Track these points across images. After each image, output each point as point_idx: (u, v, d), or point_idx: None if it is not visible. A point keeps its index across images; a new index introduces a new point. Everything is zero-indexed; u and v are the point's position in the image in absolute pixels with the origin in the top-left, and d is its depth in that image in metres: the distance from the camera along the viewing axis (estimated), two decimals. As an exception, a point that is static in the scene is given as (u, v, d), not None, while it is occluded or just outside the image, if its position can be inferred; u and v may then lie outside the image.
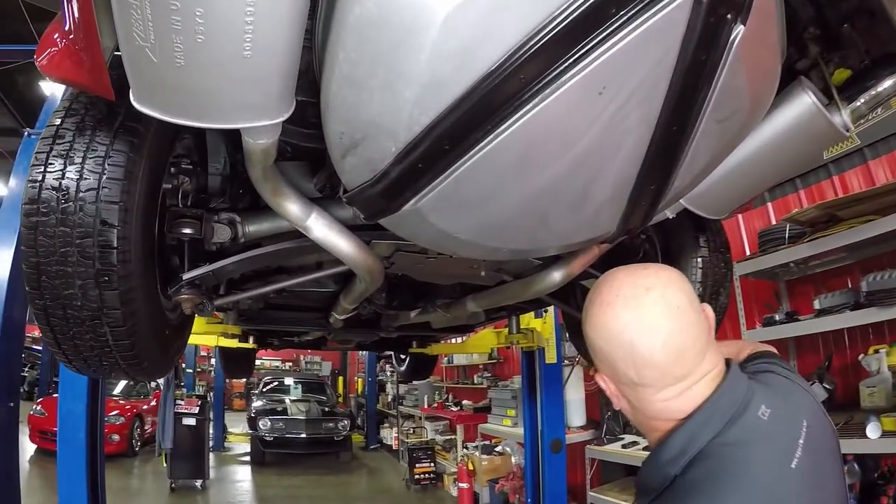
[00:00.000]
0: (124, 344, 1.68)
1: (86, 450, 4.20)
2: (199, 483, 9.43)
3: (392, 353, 8.50)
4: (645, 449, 5.51)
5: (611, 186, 1.45)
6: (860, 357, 4.40)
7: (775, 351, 1.51)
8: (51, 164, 1.47)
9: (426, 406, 12.55)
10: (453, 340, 7.24)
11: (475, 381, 11.41)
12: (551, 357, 6.32)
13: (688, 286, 1.17)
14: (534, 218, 1.54)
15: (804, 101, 1.60)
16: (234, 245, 1.96)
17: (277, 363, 22.78)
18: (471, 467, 8.16)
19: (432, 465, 10.06)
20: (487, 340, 6.78)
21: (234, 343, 5.15)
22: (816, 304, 4.57)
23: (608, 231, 1.72)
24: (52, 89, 4.85)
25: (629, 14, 1.02)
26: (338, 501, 9.53)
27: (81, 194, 1.46)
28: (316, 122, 1.50)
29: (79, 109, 1.51)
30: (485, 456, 8.32)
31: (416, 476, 9.88)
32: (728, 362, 1.21)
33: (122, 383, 12.45)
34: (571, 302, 3.25)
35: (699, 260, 2.76)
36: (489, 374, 11.01)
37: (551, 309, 5.97)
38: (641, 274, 1.17)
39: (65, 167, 1.46)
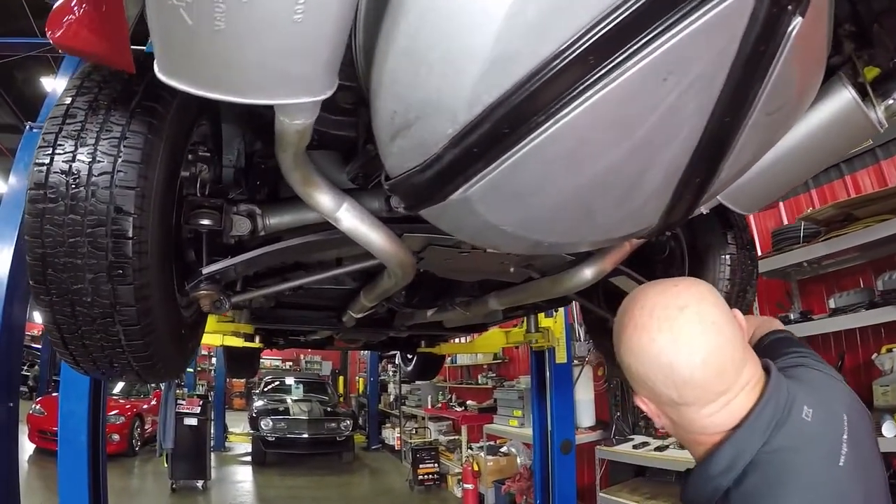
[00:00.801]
0: (138, 344, 1.53)
1: (87, 452, 4.06)
2: (200, 483, 9.27)
3: (398, 352, 8.31)
4: (657, 449, 5.50)
5: (660, 178, 1.40)
6: (873, 356, 4.42)
7: (783, 327, 1.55)
8: (60, 145, 1.31)
9: (430, 406, 12.36)
10: (457, 340, 7.12)
11: (479, 382, 11.25)
12: (561, 357, 6.22)
13: (720, 299, 1.15)
14: (582, 210, 1.46)
15: (844, 96, 1.59)
16: (252, 239, 1.83)
17: (277, 362, 22.55)
18: (476, 468, 8.05)
19: (436, 465, 9.94)
20: (496, 340, 6.68)
21: (239, 342, 5.02)
22: (831, 304, 4.59)
23: (650, 225, 1.66)
24: (53, 84, 4.72)
25: None
26: (340, 502, 9.40)
27: (94, 178, 1.30)
28: (348, 107, 1.43)
29: (91, 87, 1.37)
30: (490, 457, 8.20)
31: (420, 477, 9.74)
32: (767, 367, 1.19)
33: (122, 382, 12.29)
34: (594, 299, 3.14)
35: (728, 257, 2.71)
36: (494, 375, 10.87)
37: (561, 308, 5.88)
38: (673, 292, 1.15)
39: (76, 149, 1.31)
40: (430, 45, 1.01)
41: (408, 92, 1.09)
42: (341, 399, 16.98)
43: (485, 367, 11.25)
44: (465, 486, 8.11)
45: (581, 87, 1.04)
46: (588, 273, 2.31)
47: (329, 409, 13.05)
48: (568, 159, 1.21)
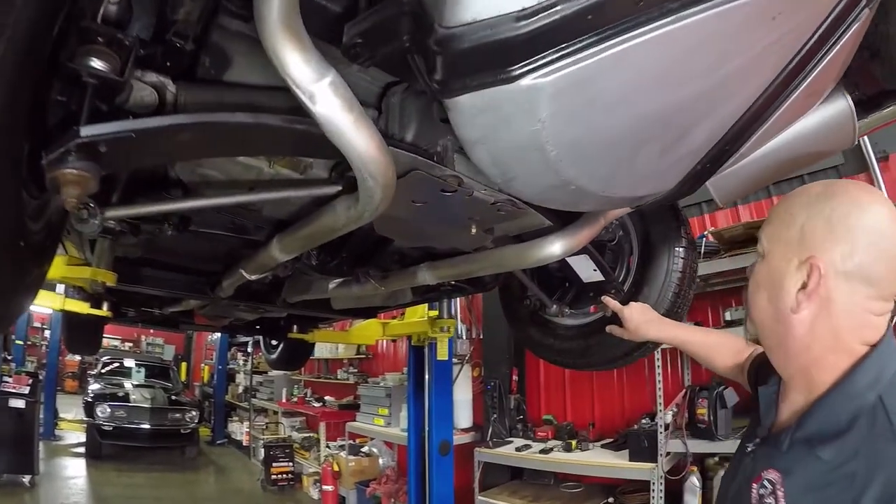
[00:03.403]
0: None
1: None
2: (27, 479, 7.70)
3: (261, 337, 7.27)
4: (542, 452, 5.31)
5: (705, 134, 1.30)
6: None
7: None
8: None
9: (284, 400, 11.40)
10: (330, 328, 6.42)
11: (339, 377, 10.41)
12: (443, 354, 5.75)
13: None
14: (633, 148, 1.24)
15: (841, 103, 1.66)
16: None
17: (116, 342, 19.73)
18: (336, 468, 7.41)
19: (290, 464, 9.10)
20: (372, 331, 6.07)
21: (84, 308, 4.00)
22: (728, 316, 4.89)
23: (664, 190, 1.54)
24: None
25: None
26: (187, 503, 8.28)
27: None
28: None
29: None
30: (351, 457, 7.61)
31: (273, 476, 8.86)
32: None
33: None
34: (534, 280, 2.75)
35: (682, 250, 2.54)
36: (356, 370, 10.12)
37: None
38: None
39: None
40: None
41: None
42: (185, 387, 15.43)
43: (345, 361, 10.45)
44: (325, 487, 7.44)
45: None
46: (558, 247, 1.91)
47: (173, 397, 11.72)
48: (663, 73, 1.01)
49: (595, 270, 2.42)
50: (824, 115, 1.63)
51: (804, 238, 1.12)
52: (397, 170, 1.34)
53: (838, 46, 1.17)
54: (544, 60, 0.89)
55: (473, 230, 1.87)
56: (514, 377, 6.49)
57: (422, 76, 1.01)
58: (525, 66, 0.90)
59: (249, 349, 12.84)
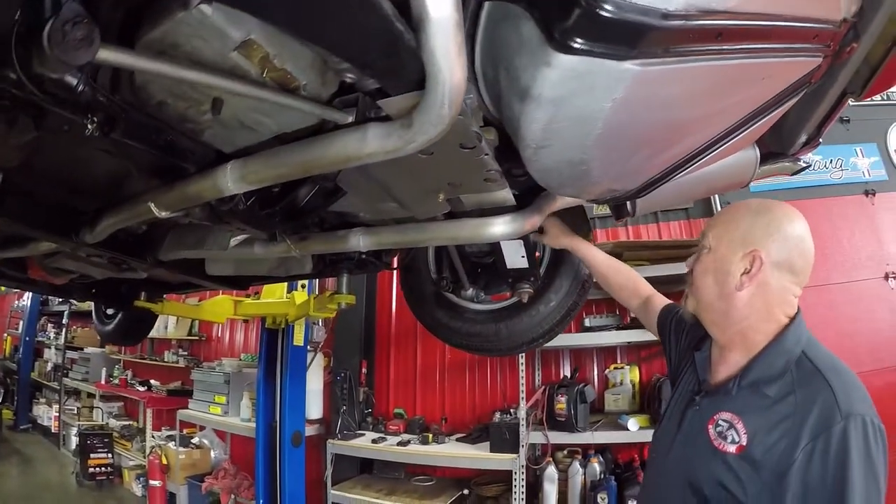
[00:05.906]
0: None
1: None
2: None
3: (97, 303, 5.82)
4: (400, 444, 5.17)
5: (684, 148, 1.46)
6: (606, 371, 5.26)
7: None
8: None
9: (103, 381, 9.92)
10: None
11: (166, 359, 9.23)
12: (299, 339, 5.40)
13: None
14: (640, 144, 1.34)
15: (751, 152, 1.93)
16: None
17: None
18: (165, 461, 6.62)
19: (110, 456, 7.91)
20: (224, 309, 5.44)
21: None
22: (587, 322, 5.04)
23: (629, 189, 1.65)
24: None
25: (813, 47, 1.21)
26: (-8, 503, 6.84)
27: None
28: None
29: None
30: (181, 448, 6.83)
31: (91, 469, 7.63)
32: None
33: None
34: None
35: None
36: (186, 353, 9.08)
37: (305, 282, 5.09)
38: None
39: None
40: None
41: None
42: (-17, 359, 12.92)
43: (174, 342, 9.33)
44: (152, 482, 6.55)
45: (749, 47, 1.09)
46: (500, 227, 1.84)
47: (-25, 372, 9.84)
48: (697, 93, 1.18)
49: (523, 257, 2.36)
50: (738, 157, 1.87)
51: (748, 236, 1.50)
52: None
53: (780, 108, 1.41)
54: (651, 52, 0.98)
55: (441, 197, 1.72)
56: (364, 369, 6.28)
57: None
58: (637, 52, 0.97)
59: (64, 320, 11.19)
